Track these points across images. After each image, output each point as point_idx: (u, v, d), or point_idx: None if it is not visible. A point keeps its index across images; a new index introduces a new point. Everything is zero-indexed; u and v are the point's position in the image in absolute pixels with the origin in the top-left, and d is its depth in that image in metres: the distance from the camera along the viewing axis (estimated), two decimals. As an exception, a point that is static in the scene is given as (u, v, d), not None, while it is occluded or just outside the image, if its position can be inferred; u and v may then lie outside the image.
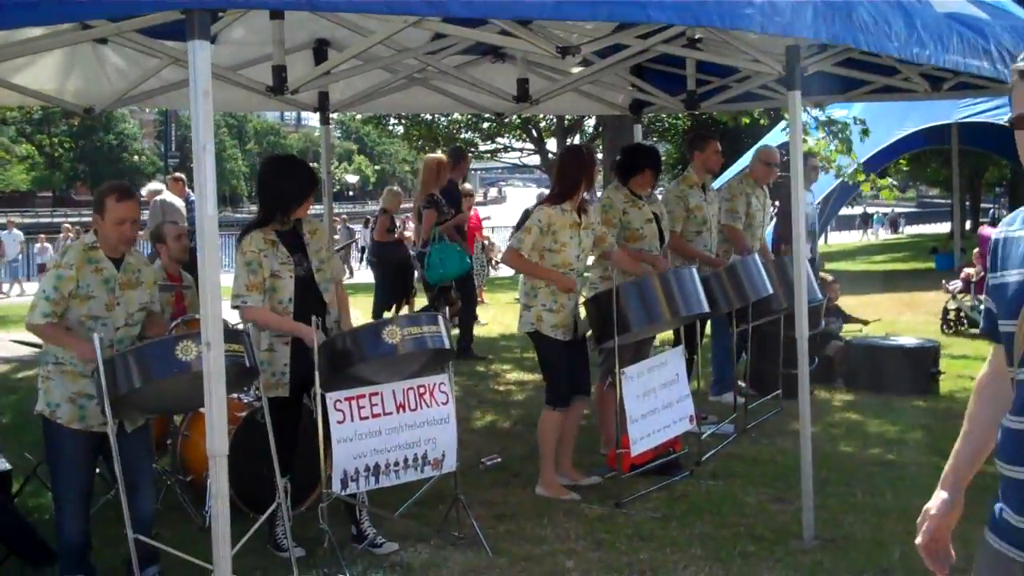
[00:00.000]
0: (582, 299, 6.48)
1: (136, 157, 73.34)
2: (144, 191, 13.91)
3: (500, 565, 5.31)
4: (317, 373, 5.10)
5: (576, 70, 7.48)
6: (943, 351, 9.74)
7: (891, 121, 16.51)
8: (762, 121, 13.65)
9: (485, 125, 29.23)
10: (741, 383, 8.67)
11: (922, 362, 9.12)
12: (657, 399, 6.45)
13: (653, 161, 7.16)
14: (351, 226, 33.72)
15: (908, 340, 9.63)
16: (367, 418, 5.28)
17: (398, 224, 13.92)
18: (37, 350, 5.44)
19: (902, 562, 5.22)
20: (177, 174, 15.77)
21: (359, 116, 34.33)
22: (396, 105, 9.21)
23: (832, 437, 7.67)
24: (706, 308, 6.49)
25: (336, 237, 21.55)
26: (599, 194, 10.01)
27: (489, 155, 33.63)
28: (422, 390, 5.47)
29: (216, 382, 3.75)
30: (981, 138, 21.16)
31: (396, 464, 5.38)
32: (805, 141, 13.19)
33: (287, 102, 7.56)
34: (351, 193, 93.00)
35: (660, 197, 7.93)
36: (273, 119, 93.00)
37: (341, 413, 5.20)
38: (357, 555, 5.44)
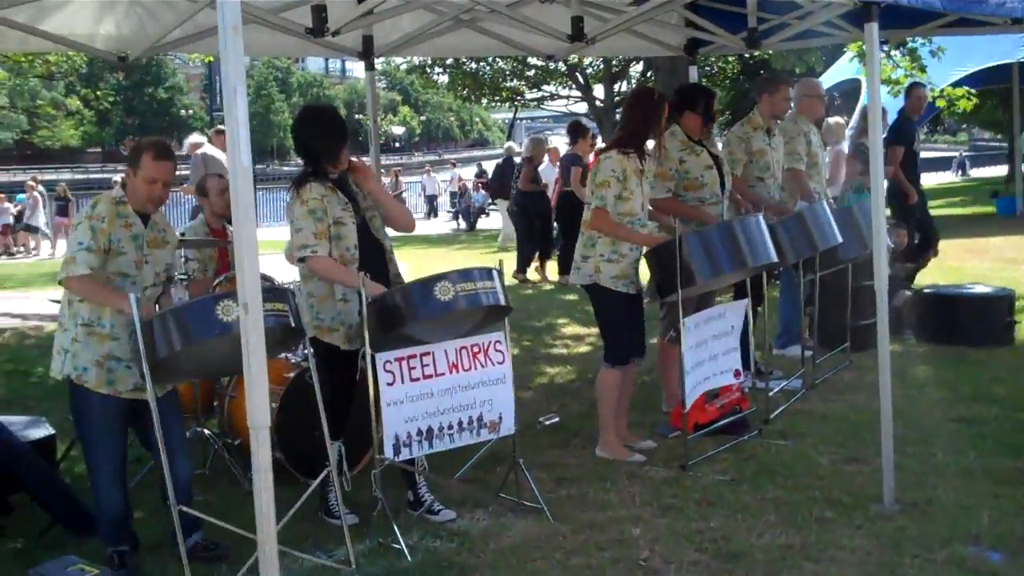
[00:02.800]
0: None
1: (184, 111, 73.45)
2: (186, 144, 13.68)
3: (563, 532, 5.03)
4: (366, 332, 4.82)
5: (630, 8, 7.08)
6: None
7: (949, 60, 15.88)
8: (817, 67, 13.19)
9: (531, 73, 28.74)
10: (807, 337, 8.30)
11: (997, 311, 8.68)
12: (706, 350, 6.12)
13: (708, 99, 6.74)
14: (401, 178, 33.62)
15: (981, 288, 9.18)
16: (418, 379, 5.01)
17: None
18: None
19: (992, 527, 4.88)
20: (221, 126, 15.53)
21: (403, 66, 33.90)
22: (444, 49, 8.86)
23: (906, 393, 7.26)
24: (775, 258, 6.13)
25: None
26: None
27: (536, 103, 33.08)
28: (476, 349, 5.19)
29: (255, 348, 3.44)
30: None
31: (450, 427, 5.11)
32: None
33: (329, 46, 7.23)
34: (397, 144, 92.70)
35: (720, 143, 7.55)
36: (317, 70, 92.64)
37: (391, 375, 4.93)
38: (413, 523, 5.18)
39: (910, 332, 8.97)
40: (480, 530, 5.10)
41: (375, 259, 5.25)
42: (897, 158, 10.10)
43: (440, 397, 5.07)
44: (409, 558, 4.74)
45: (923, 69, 12.53)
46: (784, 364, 8.10)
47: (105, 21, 6.69)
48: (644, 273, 6.23)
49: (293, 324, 4.58)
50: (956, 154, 58.68)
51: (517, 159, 18.42)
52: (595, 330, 7.76)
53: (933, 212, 13.80)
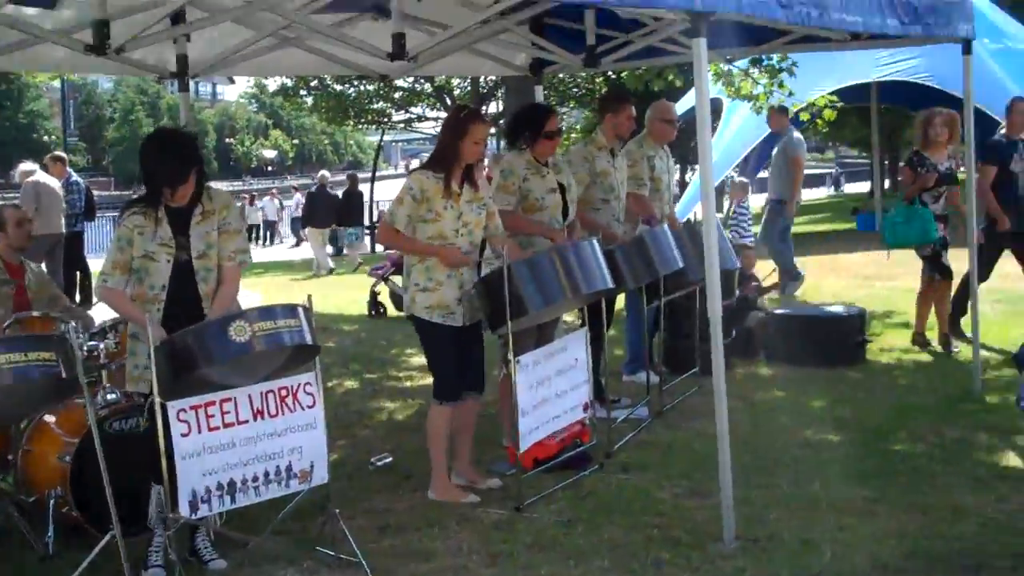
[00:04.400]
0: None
1: (47, 136, 71.08)
2: (17, 172, 12.97)
3: (381, 589, 4.63)
4: (155, 380, 4.37)
5: (465, 26, 6.76)
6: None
7: (807, 81, 16.01)
8: (677, 83, 13.07)
9: (397, 95, 28.38)
10: (657, 363, 8.06)
11: (848, 331, 8.57)
12: (551, 387, 5.80)
13: (542, 119, 6.41)
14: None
15: (832, 308, 9.08)
16: (218, 428, 4.56)
17: None
18: None
19: (833, 564, 4.65)
20: (58, 153, 14.88)
21: (271, 88, 33.12)
22: (268, 68, 8.40)
23: (753, 419, 7.07)
24: (610, 284, 5.82)
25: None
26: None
27: (404, 125, 32.70)
28: (284, 392, 4.76)
29: None
30: (900, 96, 20.83)
31: (255, 479, 4.68)
32: (737, 89, 12.79)
33: (141, 66, 6.77)
34: (270, 168, 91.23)
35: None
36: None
37: (186, 424, 4.48)
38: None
39: (762, 354, 8.81)
40: (289, 591, 4.67)
41: (190, 304, 4.82)
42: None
43: (243, 447, 4.63)
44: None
45: (782, 84, 12.53)
46: (633, 391, 7.83)
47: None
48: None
49: (64, 374, 4.11)
50: (831, 170, 60.32)
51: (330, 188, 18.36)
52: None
53: (795, 229, 13.91)
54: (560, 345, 5.99)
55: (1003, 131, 9.08)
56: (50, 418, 5.64)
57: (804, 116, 14.90)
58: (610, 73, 21.33)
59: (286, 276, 19.55)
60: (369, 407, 8.07)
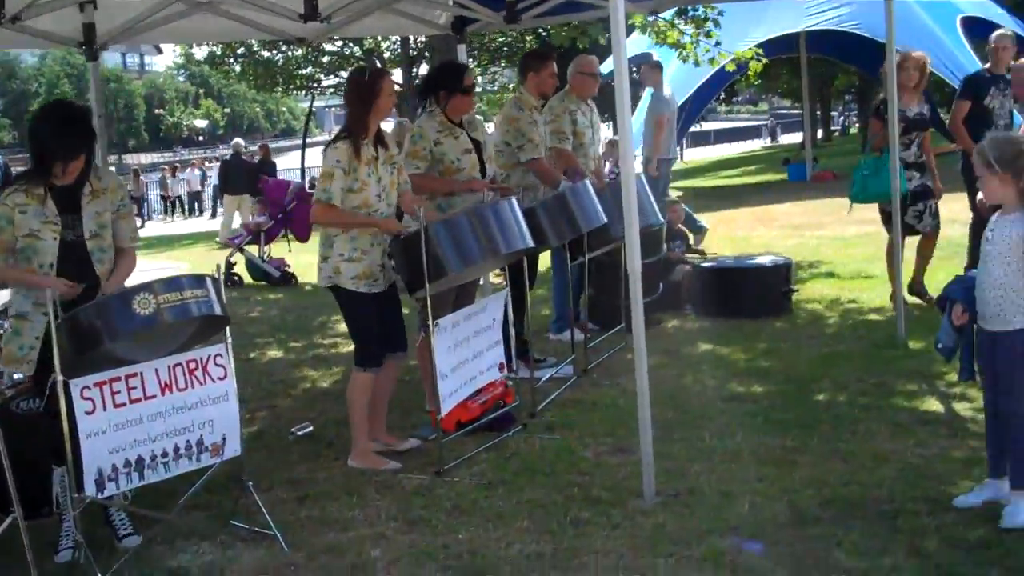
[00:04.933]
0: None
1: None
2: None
3: (295, 561, 4.54)
4: (56, 354, 4.24)
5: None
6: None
7: (736, 31, 16.01)
8: (600, 40, 13.01)
9: (325, 59, 27.98)
10: (584, 321, 8.02)
11: (773, 281, 8.58)
12: (468, 349, 5.75)
13: (455, 79, 6.32)
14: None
15: (760, 259, 9.09)
16: (124, 405, 4.45)
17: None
18: None
19: (753, 514, 4.65)
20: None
21: (199, 56, 32.43)
22: (183, 33, 8.18)
23: (679, 373, 7.07)
24: (529, 243, 5.74)
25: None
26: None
27: (333, 90, 32.26)
28: (193, 365, 4.65)
29: None
30: (828, 46, 20.94)
31: (165, 455, 4.57)
32: (664, 35, 12.72)
33: (41, 35, 6.56)
34: (201, 138, 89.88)
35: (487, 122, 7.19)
36: (115, 65, 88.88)
37: (90, 402, 4.35)
38: (122, 562, 4.58)
39: (690, 307, 8.81)
40: (201, 566, 4.55)
41: (81, 279, 4.65)
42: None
43: (151, 422, 4.51)
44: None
45: (709, 34, 12.53)
46: (560, 350, 7.78)
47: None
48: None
49: None
50: (767, 122, 60.80)
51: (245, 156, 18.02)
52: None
53: (728, 182, 13.95)
54: (480, 306, 5.93)
55: (987, 67, 8.85)
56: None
57: (730, 67, 14.91)
58: (541, 31, 21.22)
59: (213, 247, 19.29)
60: (292, 376, 7.96)
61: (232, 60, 28.42)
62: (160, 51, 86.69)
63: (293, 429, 6.37)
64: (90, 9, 6.57)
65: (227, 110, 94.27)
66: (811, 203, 16.64)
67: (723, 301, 8.53)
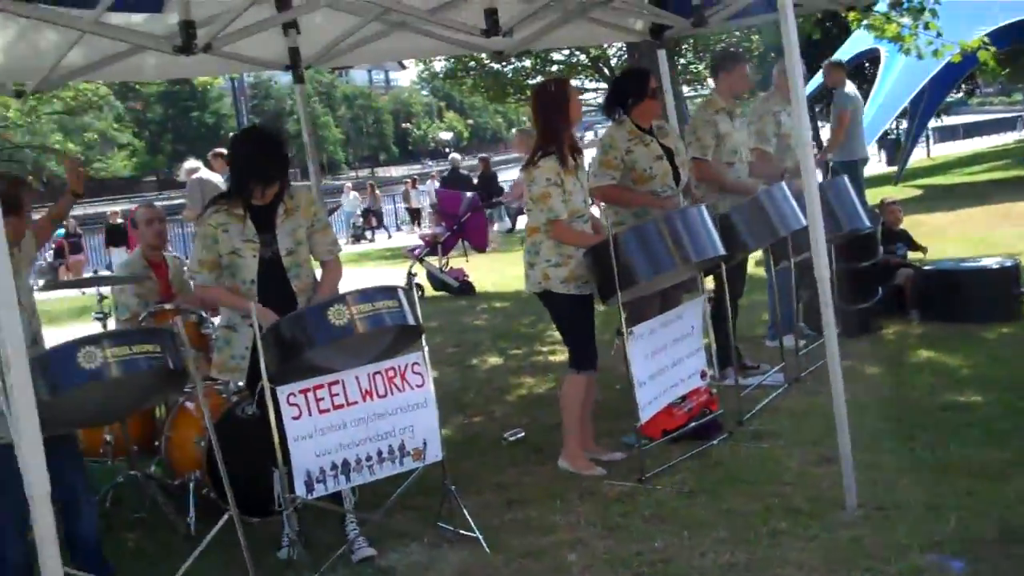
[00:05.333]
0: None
1: (232, 134, 73.94)
2: (182, 170, 13.47)
3: (495, 564, 4.67)
4: (263, 364, 4.51)
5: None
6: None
7: (968, 22, 15.26)
8: (815, 36, 12.71)
9: (553, 69, 28.34)
10: (802, 325, 7.85)
11: (1002, 284, 8.14)
12: (667, 356, 5.73)
13: (640, 85, 6.30)
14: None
15: (985, 261, 8.64)
16: (328, 411, 4.67)
17: None
18: None
19: (959, 530, 4.45)
20: (219, 149, 15.35)
21: (438, 69, 33.30)
22: (382, 54, 8.46)
23: (895, 380, 6.82)
24: (720, 251, 5.68)
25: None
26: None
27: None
28: (391, 373, 4.83)
29: (25, 415, 3.09)
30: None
31: (369, 459, 4.77)
32: (881, 29, 12.26)
33: (253, 62, 6.96)
34: (447, 150, 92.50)
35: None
36: (362, 83, 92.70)
37: (296, 408, 4.60)
38: (334, 558, 4.82)
39: (915, 312, 8.46)
40: (407, 565, 4.75)
41: (283, 299, 4.95)
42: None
43: (354, 428, 4.73)
44: (322, 603, 4.42)
45: (929, 25, 11.98)
46: (776, 358, 7.60)
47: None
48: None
49: (171, 365, 4.28)
50: (1021, 113, 57.45)
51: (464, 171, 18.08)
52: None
53: (972, 179, 13.23)
54: (676, 313, 5.89)
55: None
56: (189, 404, 5.91)
57: (956, 58, 14.18)
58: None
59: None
60: (510, 383, 8.14)
61: (464, 73, 29.23)
62: (403, 67, 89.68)
63: (506, 435, 6.53)
64: (293, 33, 6.82)
65: (470, 122, 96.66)
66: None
67: (946, 305, 8.17)
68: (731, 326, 6.87)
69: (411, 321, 4.75)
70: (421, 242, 14.48)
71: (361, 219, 33.23)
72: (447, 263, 13.92)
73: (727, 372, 6.92)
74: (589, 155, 6.47)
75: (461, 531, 4.94)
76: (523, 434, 6.52)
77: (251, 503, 5.22)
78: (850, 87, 11.89)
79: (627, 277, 5.37)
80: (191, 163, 13.46)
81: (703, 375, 6.07)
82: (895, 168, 26.92)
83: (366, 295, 4.62)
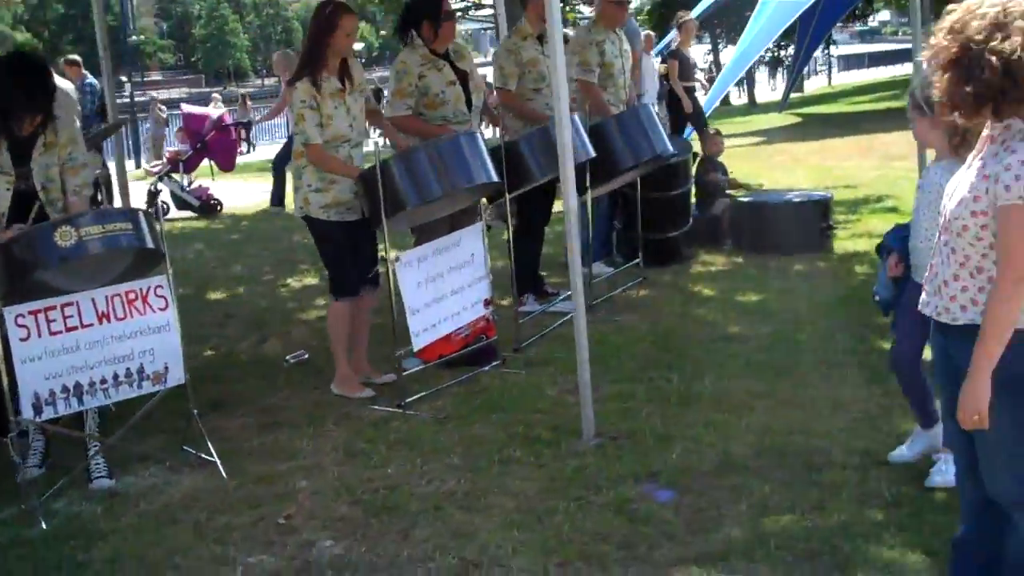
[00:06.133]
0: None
1: (135, 37, 71.88)
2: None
3: (228, 488, 4.66)
4: (-10, 283, 4.42)
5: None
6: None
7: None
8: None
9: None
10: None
11: (811, 217, 8.28)
12: (444, 284, 5.73)
13: (434, 7, 6.21)
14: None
15: (797, 194, 8.77)
16: (60, 332, 4.59)
17: None
18: None
19: (679, 460, 4.57)
20: (72, 56, 14.90)
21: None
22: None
23: (683, 311, 6.92)
24: (493, 178, 5.65)
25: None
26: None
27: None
28: (132, 296, 4.77)
29: None
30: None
31: (104, 382, 4.72)
32: None
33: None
34: (360, 60, 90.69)
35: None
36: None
37: (25, 329, 4.52)
38: (63, 483, 4.76)
39: (729, 241, 8.59)
40: (140, 490, 4.71)
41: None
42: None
43: (88, 350, 4.66)
44: (44, 525, 4.38)
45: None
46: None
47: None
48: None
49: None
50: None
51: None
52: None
53: (852, 109, 13.34)
54: (452, 240, 5.88)
55: None
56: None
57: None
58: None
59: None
60: (309, 305, 8.10)
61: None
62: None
63: (288, 356, 6.51)
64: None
65: (383, 32, 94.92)
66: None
67: (758, 236, 8.30)
68: (532, 252, 6.92)
69: (149, 244, 4.69)
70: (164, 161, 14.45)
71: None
72: (190, 182, 14.05)
73: (524, 299, 6.96)
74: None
75: (202, 455, 4.94)
76: (306, 356, 6.51)
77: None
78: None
79: (396, 203, 5.34)
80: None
81: (487, 303, 6.09)
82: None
83: (99, 216, 4.55)
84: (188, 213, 13.51)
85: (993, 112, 2.72)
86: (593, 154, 6.55)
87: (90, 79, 14.28)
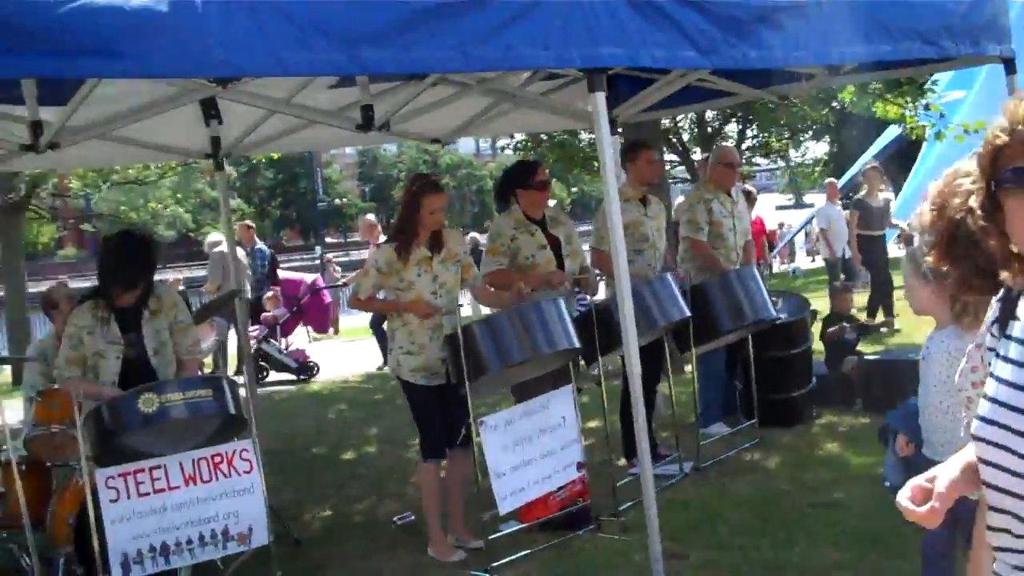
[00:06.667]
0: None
1: (338, 200, 75.69)
2: (206, 243, 13.92)
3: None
4: (81, 445, 4.75)
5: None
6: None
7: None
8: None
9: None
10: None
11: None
12: (533, 447, 5.78)
13: (527, 176, 6.46)
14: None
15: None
16: (148, 494, 4.88)
17: None
18: None
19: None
20: (247, 222, 15.85)
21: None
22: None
23: (791, 474, 6.72)
24: (575, 344, 5.73)
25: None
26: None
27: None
28: (218, 459, 5.03)
29: None
30: None
31: (189, 542, 4.96)
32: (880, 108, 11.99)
33: (404, 135, 7.72)
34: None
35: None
36: (465, 152, 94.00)
37: (115, 491, 4.82)
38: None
39: (860, 401, 8.33)
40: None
41: None
42: None
43: (175, 511, 4.93)
44: None
45: (930, 106, 11.51)
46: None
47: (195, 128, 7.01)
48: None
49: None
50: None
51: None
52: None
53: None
54: (540, 402, 5.93)
55: None
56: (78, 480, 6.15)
57: (959, 139, 13.80)
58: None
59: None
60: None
61: (536, 145, 29.44)
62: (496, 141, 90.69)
63: (395, 518, 6.64)
64: (215, 123, 6.96)
65: (575, 188, 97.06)
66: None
67: (888, 396, 7.97)
68: (640, 414, 6.89)
69: (231, 411, 4.95)
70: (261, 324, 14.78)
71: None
72: (287, 344, 14.41)
73: (634, 460, 6.91)
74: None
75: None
76: (412, 518, 6.61)
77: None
78: None
79: (479, 367, 5.48)
80: (214, 236, 13.90)
81: (579, 467, 6.09)
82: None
83: (183, 384, 4.85)
84: (339, 374, 13.88)
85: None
86: (687, 313, 6.56)
87: (259, 244, 15.17)
